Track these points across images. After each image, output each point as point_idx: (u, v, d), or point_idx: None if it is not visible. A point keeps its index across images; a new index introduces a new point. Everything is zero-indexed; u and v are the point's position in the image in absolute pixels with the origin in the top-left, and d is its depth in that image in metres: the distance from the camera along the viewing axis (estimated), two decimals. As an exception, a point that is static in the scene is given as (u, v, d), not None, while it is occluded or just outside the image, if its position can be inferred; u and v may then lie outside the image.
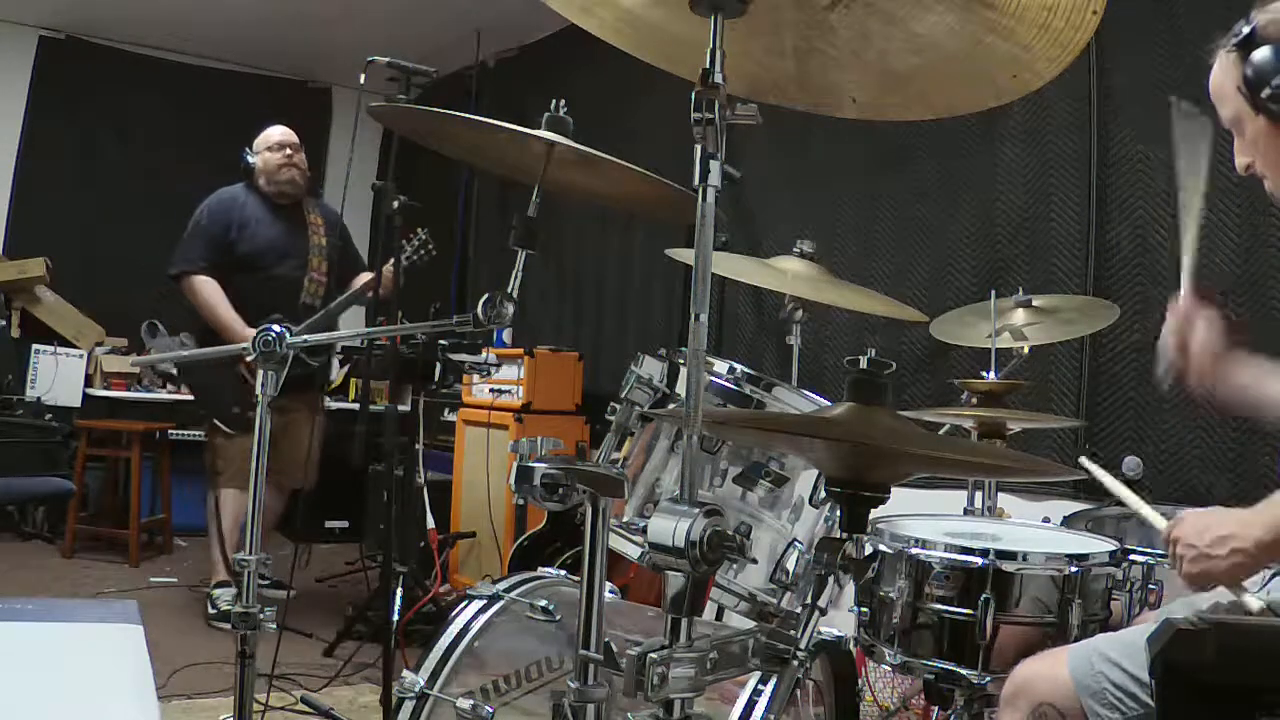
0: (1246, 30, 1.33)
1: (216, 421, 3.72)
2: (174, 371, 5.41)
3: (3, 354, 5.03)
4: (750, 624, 1.69)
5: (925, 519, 1.80)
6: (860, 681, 2.21)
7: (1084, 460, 1.78)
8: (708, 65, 1.05)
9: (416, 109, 1.78)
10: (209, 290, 3.69)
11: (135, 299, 5.48)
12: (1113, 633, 1.46)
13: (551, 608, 1.52)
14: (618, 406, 1.84)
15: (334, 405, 5.00)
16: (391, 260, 3.32)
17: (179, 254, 3.77)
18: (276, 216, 3.86)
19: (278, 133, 3.90)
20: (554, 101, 1.63)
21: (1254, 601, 1.30)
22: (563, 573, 1.74)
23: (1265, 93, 1.32)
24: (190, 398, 5.23)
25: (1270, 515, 1.28)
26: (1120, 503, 1.63)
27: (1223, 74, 1.40)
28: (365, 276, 3.94)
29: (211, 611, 3.65)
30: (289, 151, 3.86)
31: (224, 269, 3.73)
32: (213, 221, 3.77)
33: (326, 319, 3.64)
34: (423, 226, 3.80)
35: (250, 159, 3.87)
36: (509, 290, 1.53)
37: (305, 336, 1.66)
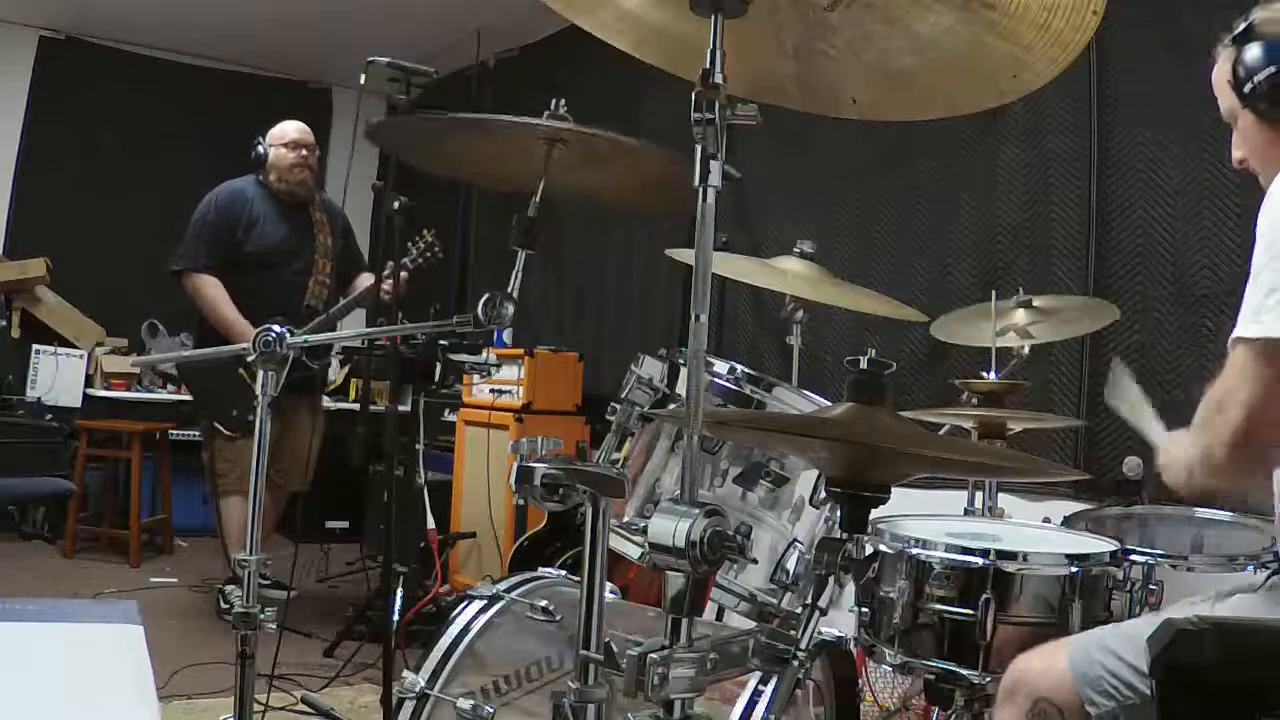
0: (1244, 26, 1.38)
1: (216, 424, 3.70)
2: (174, 371, 5.41)
3: (3, 354, 5.04)
4: (750, 624, 1.69)
5: (925, 519, 1.79)
6: (860, 682, 2.21)
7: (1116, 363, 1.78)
8: (708, 65, 1.05)
9: (415, 118, 1.78)
10: (213, 290, 3.66)
11: (135, 299, 5.48)
12: (1113, 624, 1.46)
13: (552, 608, 1.52)
14: (618, 407, 1.84)
15: (334, 405, 5.00)
16: (400, 265, 3.24)
17: (184, 249, 3.71)
18: (284, 216, 3.81)
19: (294, 129, 3.82)
20: (554, 101, 1.63)
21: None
22: (563, 573, 1.74)
23: (1248, 88, 1.37)
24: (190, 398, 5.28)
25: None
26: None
27: (1221, 67, 1.45)
28: (366, 277, 3.93)
29: (223, 606, 3.66)
30: (304, 152, 3.80)
31: (228, 268, 3.69)
32: (220, 218, 3.71)
33: (329, 323, 3.68)
34: (428, 228, 3.74)
35: (263, 149, 3.78)
36: (509, 290, 1.53)
37: (306, 337, 1.66)
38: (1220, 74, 1.45)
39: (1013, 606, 1.51)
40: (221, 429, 3.67)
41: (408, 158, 1.95)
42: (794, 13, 1.16)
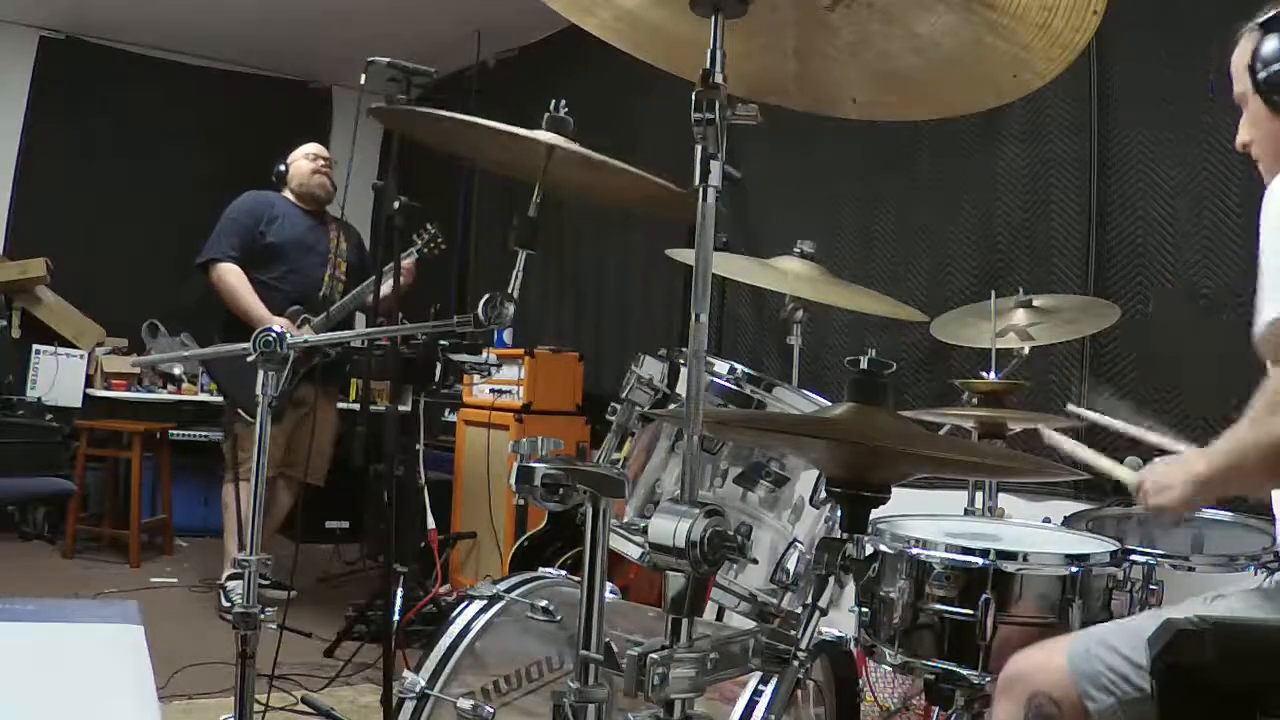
0: (1272, 13, 1.41)
1: (240, 410, 3.76)
2: (175, 371, 5.42)
3: (3, 354, 5.04)
4: (751, 624, 1.68)
5: (926, 519, 1.79)
6: (861, 682, 2.21)
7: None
8: (708, 65, 1.05)
9: (417, 110, 1.78)
10: (235, 278, 3.83)
11: (135, 299, 5.49)
12: (1111, 621, 1.46)
13: (552, 608, 1.52)
14: (618, 407, 1.84)
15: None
16: (404, 255, 3.41)
17: (209, 244, 3.92)
18: (303, 216, 4.07)
19: (313, 146, 4.20)
20: (554, 102, 1.63)
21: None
22: (563, 573, 1.74)
23: (1261, 75, 1.41)
24: (194, 399, 5.29)
25: (1211, 452, 1.38)
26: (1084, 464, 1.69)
27: (1242, 50, 1.48)
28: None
29: (225, 604, 3.69)
30: (321, 162, 4.13)
31: (251, 259, 3.89)
32: (243, 215, 3.96)
33: (335, 315, 3.76)
34: (431, 221, 3.89)
35: (283, 166, 4.13)
36: (509, 291, 1.53)
37: (305, 338, 1.67)
38: (1240, 57, 1.47)
39: (1013, 606, 1.52)
40: (244, 415, 3.74)
41: (409, 134, 1.95)
42: (794, 13, 1.16)
